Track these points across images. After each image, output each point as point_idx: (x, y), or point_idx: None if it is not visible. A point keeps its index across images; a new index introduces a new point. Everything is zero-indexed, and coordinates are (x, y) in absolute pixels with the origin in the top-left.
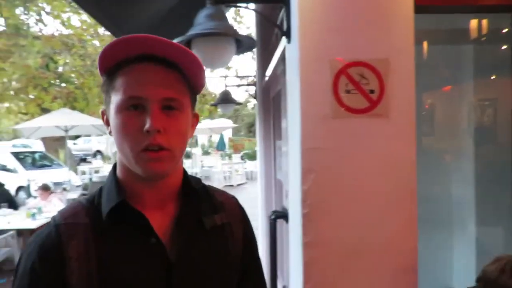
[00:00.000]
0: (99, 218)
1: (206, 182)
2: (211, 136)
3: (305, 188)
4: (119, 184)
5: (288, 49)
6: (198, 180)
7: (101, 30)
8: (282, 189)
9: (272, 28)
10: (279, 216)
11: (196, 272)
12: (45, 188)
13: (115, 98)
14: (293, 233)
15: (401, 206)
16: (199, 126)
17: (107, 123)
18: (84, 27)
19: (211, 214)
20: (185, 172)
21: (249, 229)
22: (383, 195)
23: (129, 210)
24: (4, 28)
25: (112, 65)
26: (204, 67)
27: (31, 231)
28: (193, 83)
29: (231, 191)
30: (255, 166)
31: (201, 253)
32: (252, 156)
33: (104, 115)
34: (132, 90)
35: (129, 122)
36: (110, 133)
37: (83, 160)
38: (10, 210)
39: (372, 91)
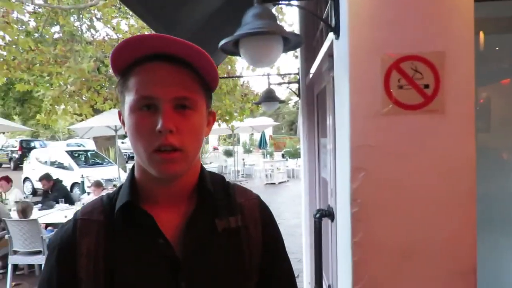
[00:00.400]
0: (113, 216)
1: (248, 180)
2: (252, 134)
3: (354, 187)
4: (134, 183)
5: (336, 45)
6: (220, 179)
7: (147, 33)
8: (326, 187)
9: (316, 24)
10: (324, 214)
11: (204, 273)
12: (97, 185)
13: (128, 99)
14: (341, 232)
15: (458, 206)
16: (241, 124)
17: (123, 123)
18: (132, 31)
19: (225, 216)
20: (202, 170)
21: (271, 231)
22: (439, 195)
23: (137, 210)
24: (60, 35)
25: (124, 65)
26: (249, 64)
27: None
28: (206, 81)
29: (273, 189)
30: (297, 164)
31: (209, 254)
32: (293, 154)
33: (120, 116)
34: (144, 90)
35: (141, 123)
36: (126, 133)
37: (131, 158)
38: (67, 205)
39: (426, 86)
